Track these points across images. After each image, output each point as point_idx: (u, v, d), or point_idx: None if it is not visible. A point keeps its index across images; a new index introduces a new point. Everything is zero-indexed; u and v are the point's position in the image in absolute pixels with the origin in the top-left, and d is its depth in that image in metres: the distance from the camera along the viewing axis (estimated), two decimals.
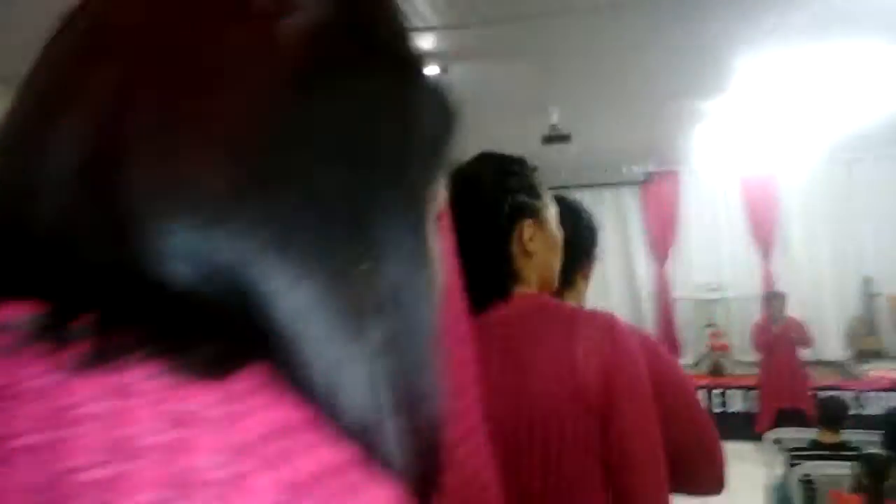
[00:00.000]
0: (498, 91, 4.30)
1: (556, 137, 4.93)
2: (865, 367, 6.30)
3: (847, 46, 3.75)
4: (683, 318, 7.31)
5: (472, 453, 0.61)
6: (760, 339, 5.77)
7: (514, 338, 0.91)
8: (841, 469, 2.91)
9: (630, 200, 7.67)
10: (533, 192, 1.02)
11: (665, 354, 1.11)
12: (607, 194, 7.70)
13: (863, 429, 3.75)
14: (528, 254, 0.99)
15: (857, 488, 2.67)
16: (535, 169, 1.05)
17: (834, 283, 6.88)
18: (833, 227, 6.92)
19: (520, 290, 0.97)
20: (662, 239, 7.46)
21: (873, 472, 2.58)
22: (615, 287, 7.50)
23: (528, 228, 0.99)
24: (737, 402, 6.21)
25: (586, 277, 1.27)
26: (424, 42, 3.63)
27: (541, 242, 1.01)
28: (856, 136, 5.83)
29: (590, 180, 7.30)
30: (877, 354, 6.47)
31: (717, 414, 6.11)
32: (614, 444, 0.88)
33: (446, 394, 0.56)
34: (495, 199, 0.98)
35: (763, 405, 5.55)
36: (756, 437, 4.47)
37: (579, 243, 1.20)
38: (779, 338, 5.56)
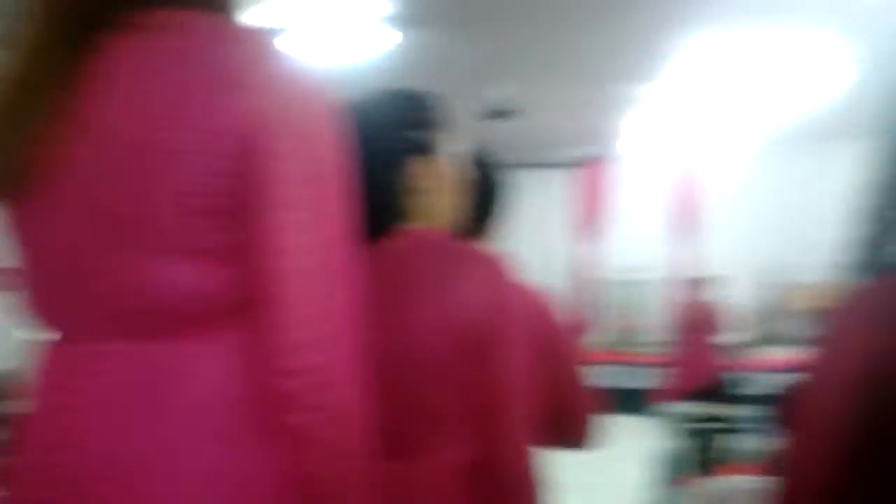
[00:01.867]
0: (451, 60, 4.33)
1: (500, 113, 5.01)
2: (762, 350, 6.79)
3: (774, 37, 3.96)
4: (602, 297, 7.67)
5: (349, 375, 0.65)
6: (680, 321, 6.12)
7: (399, 273, 0.91)
8: (731, 441, 3.18)
9: (563, 182, 7.89)
10: (432, 128, 1.00)
11: (549, 307, 1.15)
12: (543, 175, 7.91)
13: (755, 405, 4.08)
14: (421, 192, 0.97)
15: (699, 462, 2.99)
16: (438, 106, 1.02)
17: (741, 272, 7.33)
18: (743, 220, 7.37)
19: (412, 227, 0.97)
20: (590, 221, 7.73)
21: (709, 446, 2.94)
22: (543, 265, 7.74)
23: (424, 165, 0.97)
24: (642, 380, 6.56)
25: (493, 231, 1.25)
26: (380, 6, 3.60)
27: (436, 182, 0.99)
28: (775, 133, 6.17)
29: (527, 159, 7.45)
30: (775, 339, 6.96)
31: (620, 389, 6.46)
32: (487, 384, 0.89)
33: (321, 317, 0.63)
34: (386, 131, 0.96)
35: (671, 383, 5.88)
36: (654, 411, 4.73)
37: (487, 194, 1.19)
38: (697, 320, 5.91)
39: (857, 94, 4.71)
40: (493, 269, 0.92)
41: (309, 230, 0.64)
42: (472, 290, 0.88)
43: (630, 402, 6.18)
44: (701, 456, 3.14)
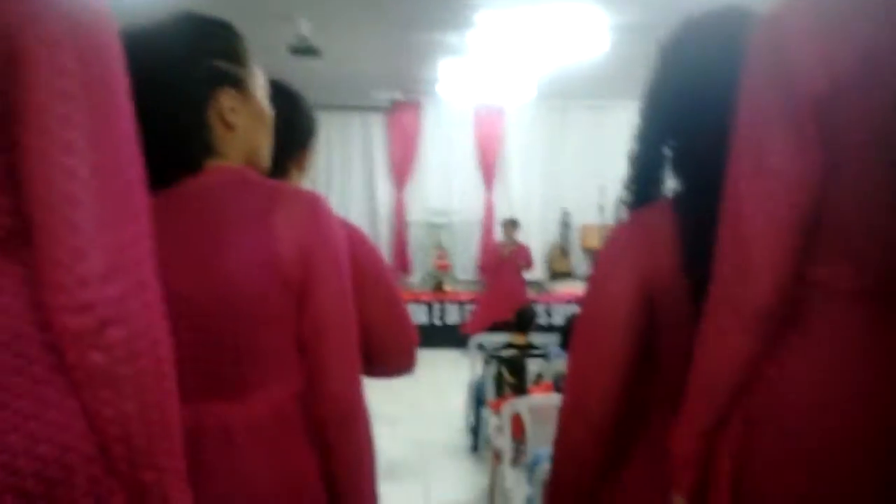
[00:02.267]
0: None
1: (304, 49, 4.85)
2: (557, 284, 7.53)
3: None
4: (415, 239, 7.94)
5: (142, 309, 0.61)
6: (489, 261, 6.54)
7: (209, 210, 0.86)
8: (539, 365, 3.54)
9: (376, 126, 7.92)
10: (237, 58, 0.93)
11: (367, 243, 1.14)
12: (355, 118, 7.86)
13: (550, 333, 4.55)
14: (228, 126, 0.91)
15: (506, 386, 3.37)
16: (239, 35, 0.96)
17: (540, 214, 7.99)
18: (542, 165, 7.98)
19: (219, 164, 0.91)
20: (402, 165, 7.88)
21: (515, 371, 3.31)
22: (357, 208, 7.79)
23: (228, 98, 0.91)
24: (454, 316, 6.98)
25: (301, 168, 1.20)
26: None
27: (245, 115, 0.93)
28: (566, 84, 6.69)
29: (338, 102, 7.35)
30: (567, 275, 7.74)
31: (436, 326, 6.84)
32: (309, 321, 0.88)
33: (107, 249, 0.59)
34: (190, 61, 0.89)
35: (482, 316, 6.28)
36: (470, 343, 5.08)
37: (294, 130, 1.14)
38: (507, 261, 6.35)
39: (614, 58, 5.28)
40: (307, 206, 0.89)
41: (88, 153, 0.58)
42: (288, 227, 0.86)
43: (449, 336, 6.57)
44: (512, 380, 3.48)
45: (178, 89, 0.88)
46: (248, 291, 0.84)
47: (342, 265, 0.92)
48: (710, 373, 0.82)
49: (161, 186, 0.84)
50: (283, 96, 1.10)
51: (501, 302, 5.84)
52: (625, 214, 1.04)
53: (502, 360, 3.60)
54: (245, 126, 0.93)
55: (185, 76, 0.88)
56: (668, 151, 1.01)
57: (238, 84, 0.92)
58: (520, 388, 3.39)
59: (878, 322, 0.73)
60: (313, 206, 0.90)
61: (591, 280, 1.03)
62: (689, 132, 0.96)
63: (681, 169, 0.99)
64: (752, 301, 0.75)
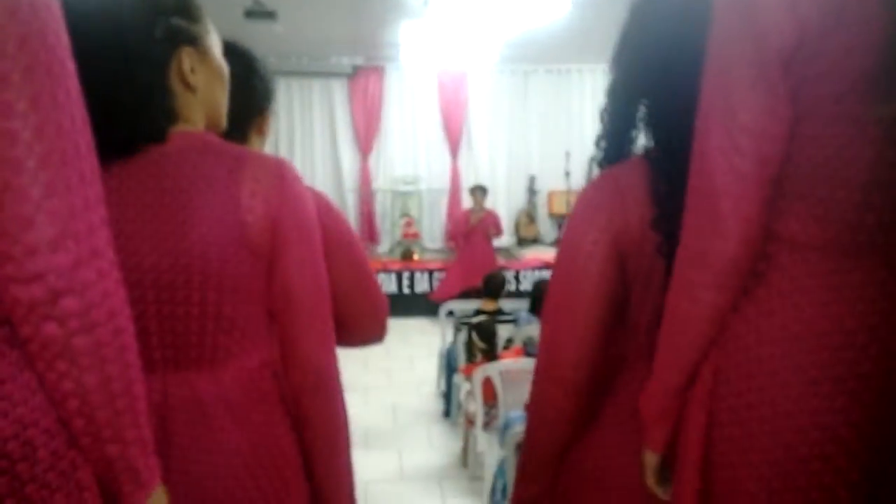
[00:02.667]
0: None
1: (260, 13, 4.71)
2: (525, 250, 7.57)
3: None
4: (381, 208, 7.87)
5: (97, 278, 0.59)
6: (459, 230, 6.51)
7: (172, 178, 0.82)
8: (509, 331, 3.56)
9: (338, 92, 7.76)
10: (191, 14, 0.88)
11: (334, 210, 1.12)
12: (316, 84, 7.69)
13: (519, 299, 4.58)
14: (189, 87, 0.87)
15: (477, 352, 3.39)
16: None
17: (506, 180, 7.98)
18: (507, 131, 7.94)
19: (181, 129, 0.87)
20: (366, 132, 7.76)
21: (485, 337, 3.35)
22: (322, 176, 7.67)
23: (187, 57, 0.86)
24: (423, 284, 6.98)
25: (262, 133, 1.16)
26: None
27: (204, 74, 0.89)
28: (529, 48, 6.63)
29: (298, 68, 7.18)
30: (534, 241, 7.79)
31: (406, 294, 6.83)
32: (279, 288, 0.86)
33: (56, 216, 0.56)
34: (148, 21, 0.83)
35: (449, 284, 6.28)
36: (439, 311, 5.08)
37: (252, 92, 1.10)
38: (476, 228, 6.34)
39: (578, 20, 5.24)
40: (274, 171, 0.86)
41: (30, 115, 0.55)
42: (255, 194, 0.83)
43: (419, 305, 6.57)
44: (482, 345, 3.50)
45: (139, 52, 0.82)
46: (215, 260, 0.82)
47: (312, 231, 0.90)
48: (680, 329, 0.82)
49: (124, 158, 0.81)
50: (238, 58, 1.05)
51: (471, 269, 5.83)
52: (596, 172, 1.04)
53: (473, 327, 3.62)
54: (205, 86, 0.90)
55: (144, 38, 0.83)
56: (639, 109, 1.00)
57: (195, 41, 0.88)
58: (490, 354, 3.41)
59: (840, 274, 0.74)
60: (280, 172, 0.87)
61: (564, 240, 1.02)
62: (661, 89, 0.95)
63: (652, 126, 0.99)
64: (722, 255, 0.76)
